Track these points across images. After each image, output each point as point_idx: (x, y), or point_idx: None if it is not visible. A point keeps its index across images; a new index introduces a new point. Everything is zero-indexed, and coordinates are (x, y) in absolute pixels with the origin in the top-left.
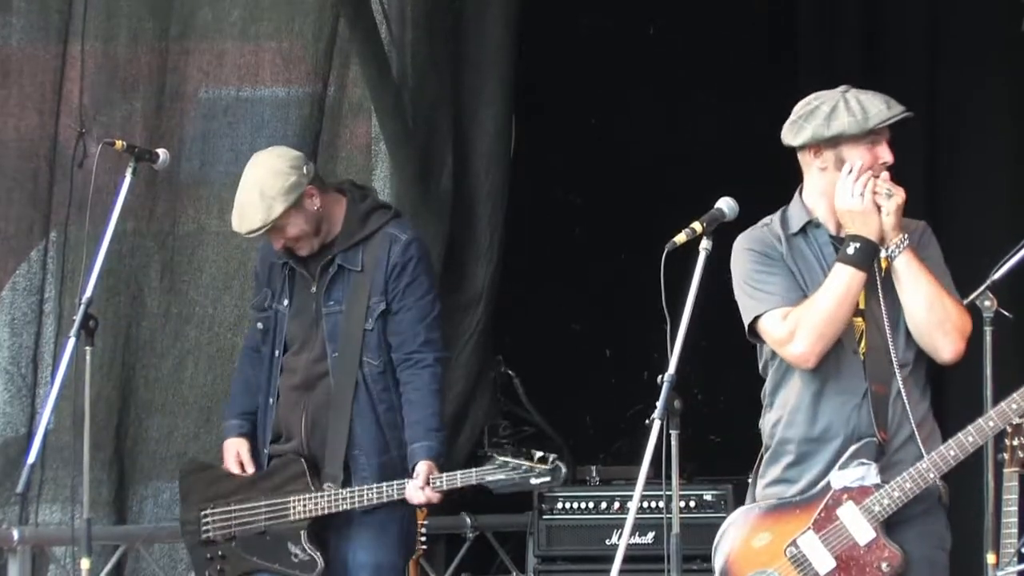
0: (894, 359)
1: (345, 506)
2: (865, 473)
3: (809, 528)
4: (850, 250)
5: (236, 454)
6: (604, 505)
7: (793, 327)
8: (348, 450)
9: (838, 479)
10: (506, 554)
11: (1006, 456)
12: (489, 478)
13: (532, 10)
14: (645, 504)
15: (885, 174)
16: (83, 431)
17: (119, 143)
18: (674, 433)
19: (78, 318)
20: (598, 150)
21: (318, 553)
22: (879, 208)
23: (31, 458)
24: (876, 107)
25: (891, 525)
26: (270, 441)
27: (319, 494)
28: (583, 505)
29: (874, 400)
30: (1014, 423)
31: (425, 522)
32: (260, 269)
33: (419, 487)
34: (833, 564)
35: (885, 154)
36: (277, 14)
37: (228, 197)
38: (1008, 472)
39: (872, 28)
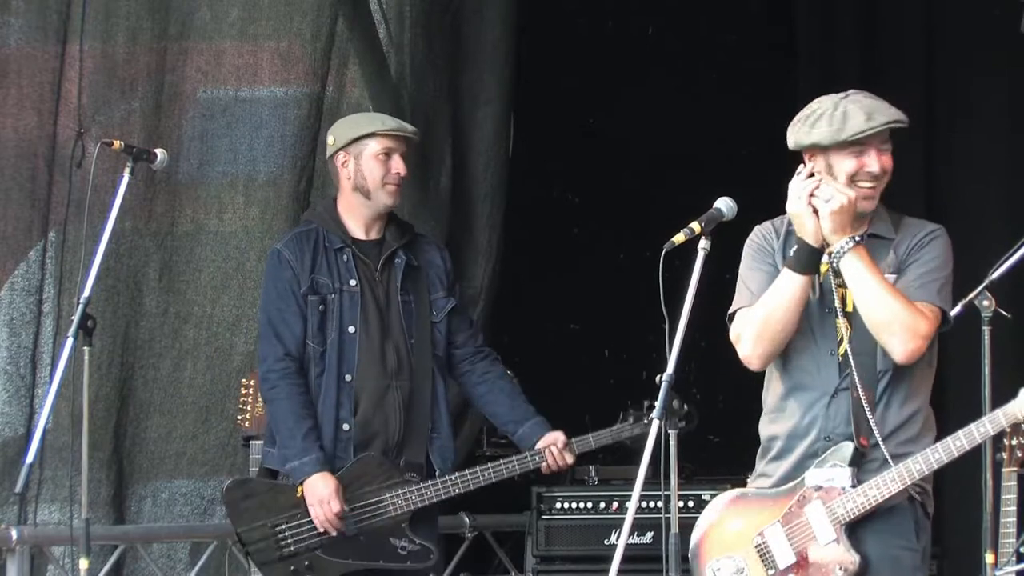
0: (878, 365)
1: (457, 491)
2: (838, 475)
3: (777, 521)
4: (791, 253)
5: (332, 494)
6: (603, 505)
7: (741, 329)
8: (429, 434)
9: (812, 477)
10: (505, 554)
11: (1004, 456)
12: (625, 434)
13: (530, 10)
14: (644, 504)
15: (828, 179)
16: (82, 431)
17: (117, 143)
18: (672, 433)
19: (76, 318)
20: (597, 150)
21: (428, 542)
22: (816, 212)
23: (29, 458)
24: (856, 118)
25: (854, 523)
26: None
27: (420, 486)
28: (582, 505)
29: (854, 405)
30: (1010, 427)
31: None
32: (293, 260)
33: (561, 450)
34: (793, 559)
35: (871, 163)
36: (275, 14)
37: (226, 197)
38: (1006, 472)
39: (870, 29)
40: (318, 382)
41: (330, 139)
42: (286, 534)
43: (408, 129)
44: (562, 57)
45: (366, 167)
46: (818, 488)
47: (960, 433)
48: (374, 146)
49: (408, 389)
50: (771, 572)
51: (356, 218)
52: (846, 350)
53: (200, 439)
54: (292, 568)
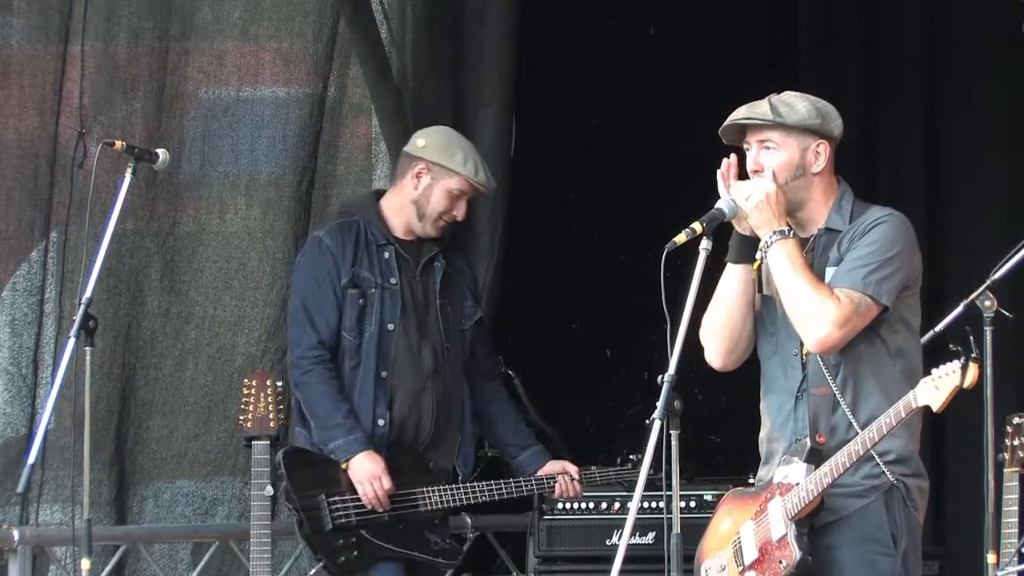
0: (831, 360)
1: (483, 498)
2: (793, 471)
3: (751, 518)
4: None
5: (383, 471)
6: (604, 505)
7: (701, 330)
8: (459, 439)
9: (777, 474)
10: (507, 554)
11: (1006, 456)
12: (626, 476)
13: (532, 10)
14: (645, 504)
15: (750, 176)
16: (83, 431)
17: (119, 143)
18: (674, 433)
19: (78, 318)
20: (598, 150)
21: (456, 542)
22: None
23: (31, 458)
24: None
25: (830, 524)
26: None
27: (453, 487)
28: (583, 505)
29: (813, 402)
30: (1014, 423)
31: None
32: (335, 249)
33: (572, 480)
34: (756, 555)
35: (749, 159)
36: (277, 14)
37: (228, 197)
38: (1008, 472)
39: (871, 29)
40: (352, 375)
41: (420, 142)
42: (338, 508)
43: (492, 187)
44: (563, 57)
45: (435, 195)
46: (779, 485)
47: (872, 425)
48: (454, 183)
49: (443, 392)
50: (740, 568)
51: (399, 220)
52: (809, 350)
53: (202, 439)
54: (340, 542)
